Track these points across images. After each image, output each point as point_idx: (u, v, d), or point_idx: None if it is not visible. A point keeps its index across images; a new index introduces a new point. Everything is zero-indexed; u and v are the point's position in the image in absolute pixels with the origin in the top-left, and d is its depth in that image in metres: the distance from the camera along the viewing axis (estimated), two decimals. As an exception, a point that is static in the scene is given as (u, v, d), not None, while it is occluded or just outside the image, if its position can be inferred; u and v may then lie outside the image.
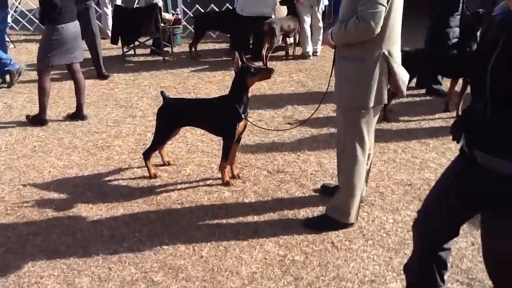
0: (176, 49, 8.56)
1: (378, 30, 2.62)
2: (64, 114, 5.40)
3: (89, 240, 3.08)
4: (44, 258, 2.91)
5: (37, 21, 4.78)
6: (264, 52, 7.15)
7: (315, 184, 3.70)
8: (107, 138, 4.73)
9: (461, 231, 3.00)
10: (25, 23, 10.19)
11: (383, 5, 2.59)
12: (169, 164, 4.08)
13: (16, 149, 4.54)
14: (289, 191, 3.61)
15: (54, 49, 4.92)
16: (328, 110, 5.30)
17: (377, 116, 2.98)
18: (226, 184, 3.70)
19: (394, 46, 2.81)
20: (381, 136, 4.43)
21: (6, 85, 6.41)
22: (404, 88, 2.91)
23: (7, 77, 6.41)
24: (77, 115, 5.28)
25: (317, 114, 5.19)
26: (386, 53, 2.75)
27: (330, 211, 3.13)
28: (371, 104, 2.81)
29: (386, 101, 2.91)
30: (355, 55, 2.77)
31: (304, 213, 3.31)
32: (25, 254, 2.96)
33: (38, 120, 5.11)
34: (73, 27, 4.99)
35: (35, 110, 5.29)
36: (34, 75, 5.25)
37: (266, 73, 3.56)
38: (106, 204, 3.51)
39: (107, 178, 3.91)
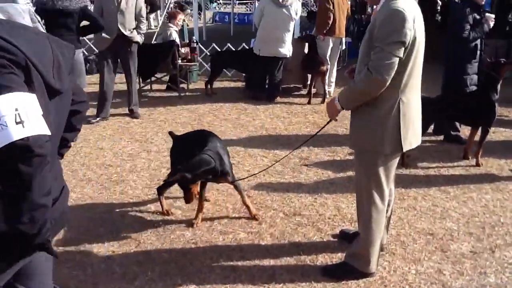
0: (191, 86, 8.64)
1: (388, 82, 2.53)
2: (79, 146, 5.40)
3: (100, 277, 2.99)
4: (53, 295, 2.81)
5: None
6: (313, 87, 7.71)
7: (333, 229, 3.59)
8: (121, 172, 4.68)
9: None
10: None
11: (397, 57, 2.50)
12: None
13: (30, 179, 4.49)
14: (307, 235, 3.51)
15: None
16: (345, 153, 5.24)
17: (396, 163, 2.87)
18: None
19: (412, 93, 2.71)
20: (400, 182, 4.33)
21: None
22: (406, 145, 2.72)
23: None
24: None
25: (334, 157, 5.15)
26: (404, 100, 2.65)
27: (350, 259, 3.01)
28: (387, 151, 2.71)
29: (405, 149, 2.74)
30: (370, 100, 2.66)
31: (322, 259, 3.19)
32: (34, 289, 2.87)
33: None
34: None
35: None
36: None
37: None
38: (118, 240, 3.42)
39: (120, 213, 3.84)
